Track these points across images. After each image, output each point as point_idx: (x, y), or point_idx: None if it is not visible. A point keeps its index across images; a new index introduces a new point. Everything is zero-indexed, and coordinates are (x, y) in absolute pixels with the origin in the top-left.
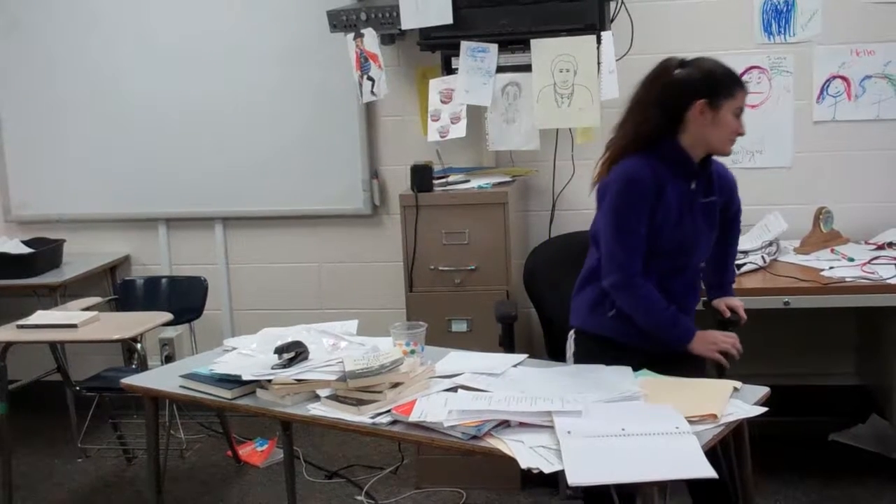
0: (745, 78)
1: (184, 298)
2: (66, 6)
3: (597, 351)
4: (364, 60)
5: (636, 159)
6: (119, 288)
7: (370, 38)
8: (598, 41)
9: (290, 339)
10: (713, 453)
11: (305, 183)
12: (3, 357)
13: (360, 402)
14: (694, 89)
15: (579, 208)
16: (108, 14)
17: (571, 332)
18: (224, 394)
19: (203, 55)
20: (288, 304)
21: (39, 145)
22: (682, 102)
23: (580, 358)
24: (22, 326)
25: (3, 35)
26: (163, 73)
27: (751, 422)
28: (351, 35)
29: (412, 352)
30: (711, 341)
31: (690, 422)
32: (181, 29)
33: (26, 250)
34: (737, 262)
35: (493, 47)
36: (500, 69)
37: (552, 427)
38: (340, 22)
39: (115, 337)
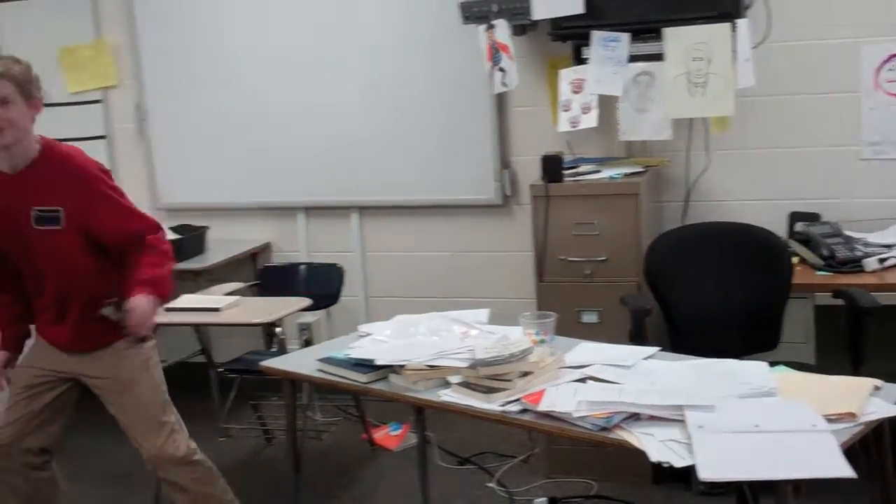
0: (887, 67)
1: (321, 285)
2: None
3: None
4: (495, 51)
5: None
6: (260, 274)
7: (502, 29)
8: (733, 29)
9: (422, 326)
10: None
11: (438, 173)
12: None
13: (490, 390)
14: None
15: (714, 199)
16: (248, 8)
17: None
18: (359, 378)
19: (339, 49)
20: (420, 292)
21: (185, 136)
22: None
23: None
24: (168, 309)
25: (151, 30)
26: (303, 68)
27: (892, 422)
28: (483, 26)
29: (542, 341)
30: None
31: (828, 420)
32: (319, 22)
33: (173, 236)
34: (879, 256)
35: (625, 36)
36: (632, 58)
37: (683, 421)
38: (473, 14)
39: (256, 321)
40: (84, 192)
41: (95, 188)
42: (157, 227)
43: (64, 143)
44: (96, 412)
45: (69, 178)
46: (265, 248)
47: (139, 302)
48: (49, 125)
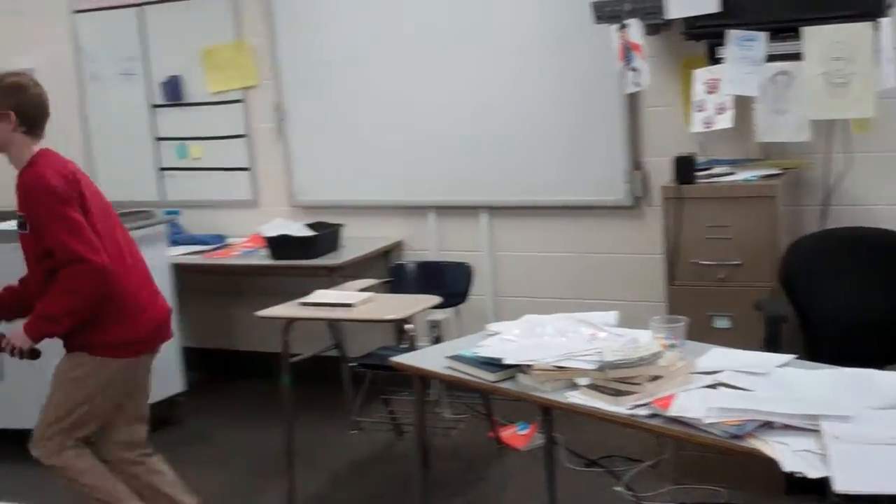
0: None
1: (451, 283)
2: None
3: None
4: (627, 51)
5: None
6: (392, 271)
7: (634, 28)
8: (876, 28)
9: (549, 327)
10: None
11: (568, 174)
12: (287, 332)
13: (618, 393)
14: None
15: (855, 203)
16: (382, 10)
17: None
18: (487, 376)
19: (471, 49)
20: (548, 293)
21: (321, 136)
22: None
23: None
24: (304, 304)
25: (289, 32)
26: (436, 68)
27: None
28: (615, 26)
29: (672, 346)
30: None
31: None
32: (452, 23)
33: (309, 233)
34: None
35: (762, 35)
36: (770, 57)
37: (818, 431)
38: (605, 13)
39: (388, 317)
40: (29, 208)
41: (36, 207)
42: (75, 261)
43: (61, 159)
44: (243, 403)
45: (22, 191)
46: (397, 246)
47: (13, 332)
48: (192, 124)
